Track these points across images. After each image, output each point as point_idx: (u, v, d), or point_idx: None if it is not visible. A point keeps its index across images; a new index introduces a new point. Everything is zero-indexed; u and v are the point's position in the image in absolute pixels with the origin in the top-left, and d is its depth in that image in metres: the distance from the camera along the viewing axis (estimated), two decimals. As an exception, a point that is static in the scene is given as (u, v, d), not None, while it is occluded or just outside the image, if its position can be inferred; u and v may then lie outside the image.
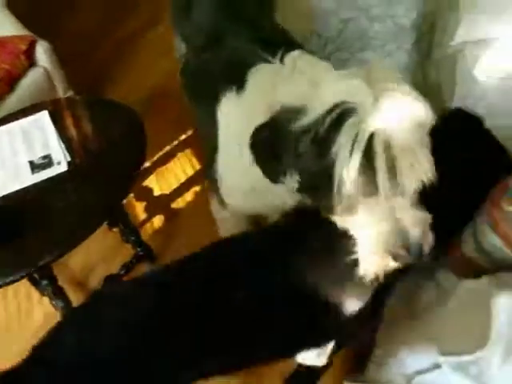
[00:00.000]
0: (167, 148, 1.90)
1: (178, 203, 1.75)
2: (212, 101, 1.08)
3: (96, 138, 1.38)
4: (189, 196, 1.76)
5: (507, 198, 0.71)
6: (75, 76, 1.95)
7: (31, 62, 1.76)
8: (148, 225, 1.72)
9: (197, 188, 1.77)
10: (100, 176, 1.30)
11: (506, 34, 1.49)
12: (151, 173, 1.82)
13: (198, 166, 1.83)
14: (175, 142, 1.91)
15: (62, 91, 1.86)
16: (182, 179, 1.81)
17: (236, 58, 1.09)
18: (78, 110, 1.49)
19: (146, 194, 1.79)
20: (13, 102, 1.67)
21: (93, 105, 1.52)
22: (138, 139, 1.35)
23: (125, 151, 1.35)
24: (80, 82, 1.96)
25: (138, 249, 1.55)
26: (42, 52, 1.78)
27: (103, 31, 2.41)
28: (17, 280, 1.12)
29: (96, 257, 1.63)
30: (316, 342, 0.99)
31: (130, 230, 1.51)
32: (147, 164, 1.82)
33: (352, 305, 0.88)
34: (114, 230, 1.60)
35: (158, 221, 1.72)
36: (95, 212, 1.24)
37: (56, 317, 1.40)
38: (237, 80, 1.02)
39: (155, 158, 1.86)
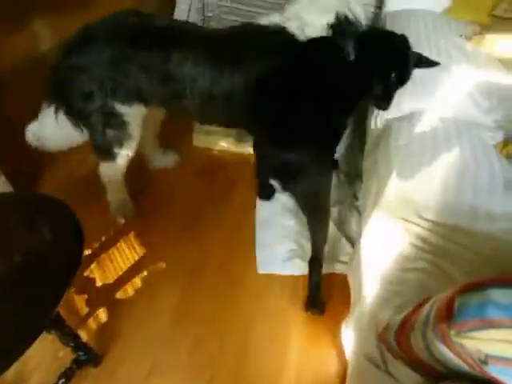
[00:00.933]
0: (105, 237, 1.78)
1: (122, 293, 1.62)
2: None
3: (26, 239, 1.26)
4: (132, 284, 1.64)
5: (454, 324, 0.68)
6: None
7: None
8: (91, 320, 1.56)
9: (141, 275, 1.66)
10: (30, 285, 1.16)
11: (428, 106, 1.58)
12: (91, 263, 1.69)
13: (138, 252, 1.73)
14: (112, 232, 1.80)
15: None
16: (124, 267, 1.68)
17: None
18: (3, 207, 1.36)
19: (87, 286, 1.64)
20: None
21: (21, 200, 1.40)
22: (73, 238, 1.24)
23: (59, 252, 1.23)
24: (9, 174, 1.83)
25: (79, 353, 1.40)
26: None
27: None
28: None
29: (31, 364, 1.44)
30: None
31: (67, 336, 1.35)
32: (87, 252, 1.69)
33: None
34: (52, 332, 1.44)
35: (101, 315, 1.57)
36: (25, 328, 1.09)
37: None
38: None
39: (95, 247, 1.73)
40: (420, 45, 1.87)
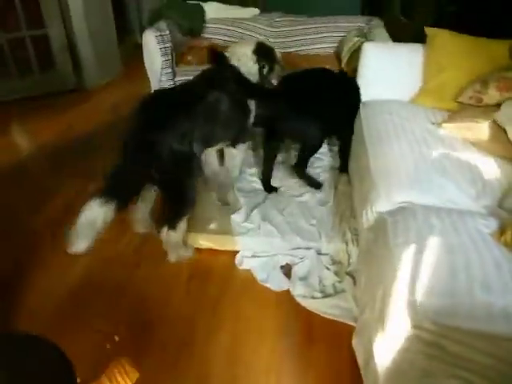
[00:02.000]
0: (93, 365, 1.52)
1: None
2: None
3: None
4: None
5: None
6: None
7: None
8: None
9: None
10: None
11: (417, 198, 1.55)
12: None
13: (131, 380, 1.49)
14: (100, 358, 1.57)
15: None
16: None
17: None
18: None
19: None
20: None
21: (7, 342, 1.21)
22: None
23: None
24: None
25: None
26: None
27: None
28: None
29: None
30: None
31: None
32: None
33: None
34: None
35: None
36: None
37: None
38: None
39: (83, 379, 1.50)
40: (397, 132, 1.90)
